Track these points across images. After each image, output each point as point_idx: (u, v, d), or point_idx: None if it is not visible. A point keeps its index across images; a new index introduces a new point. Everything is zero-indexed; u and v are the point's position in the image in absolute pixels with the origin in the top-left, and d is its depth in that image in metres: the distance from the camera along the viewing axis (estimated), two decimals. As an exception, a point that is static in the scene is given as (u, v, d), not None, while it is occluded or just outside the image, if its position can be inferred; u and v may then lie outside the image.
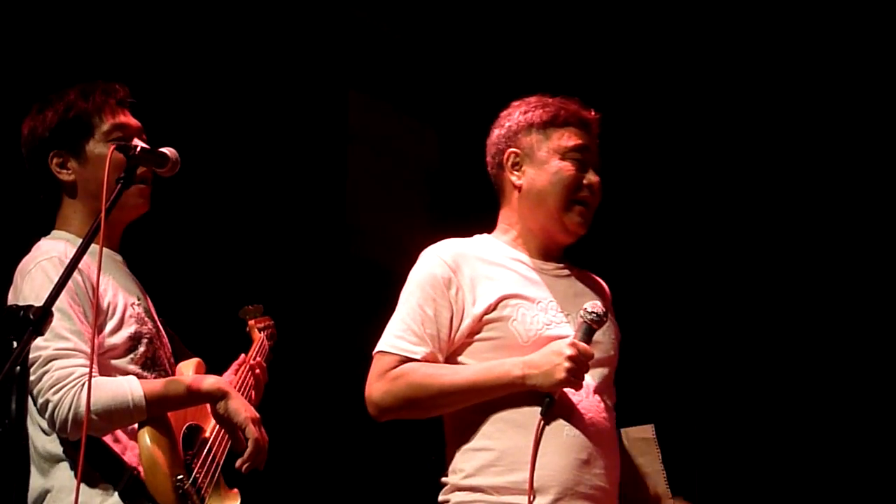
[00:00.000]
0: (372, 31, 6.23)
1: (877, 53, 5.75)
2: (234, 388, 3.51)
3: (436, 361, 3.33)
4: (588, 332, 3.27)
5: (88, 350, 3.05)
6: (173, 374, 3.35)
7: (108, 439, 3.11)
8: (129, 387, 3.08)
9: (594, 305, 3.29)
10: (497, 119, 3.55)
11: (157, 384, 3.15)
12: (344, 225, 6.24)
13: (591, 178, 3.43)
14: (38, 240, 3.29)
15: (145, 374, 3.23)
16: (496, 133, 3.52)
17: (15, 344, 2.65)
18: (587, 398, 3.31)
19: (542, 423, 3.20)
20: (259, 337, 3.85)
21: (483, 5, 6.12)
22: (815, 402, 5.88)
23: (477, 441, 3.30)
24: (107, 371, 3.14)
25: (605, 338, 3.42)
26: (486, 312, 3.33)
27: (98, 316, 3.13)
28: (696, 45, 5.97)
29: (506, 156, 3.47)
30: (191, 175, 3.33)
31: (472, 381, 3.27)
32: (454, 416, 3.36)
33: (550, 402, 3.22)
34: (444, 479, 3.38)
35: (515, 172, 3.47)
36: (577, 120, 3.46)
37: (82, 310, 3.13)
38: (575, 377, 3.20)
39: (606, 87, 5.56)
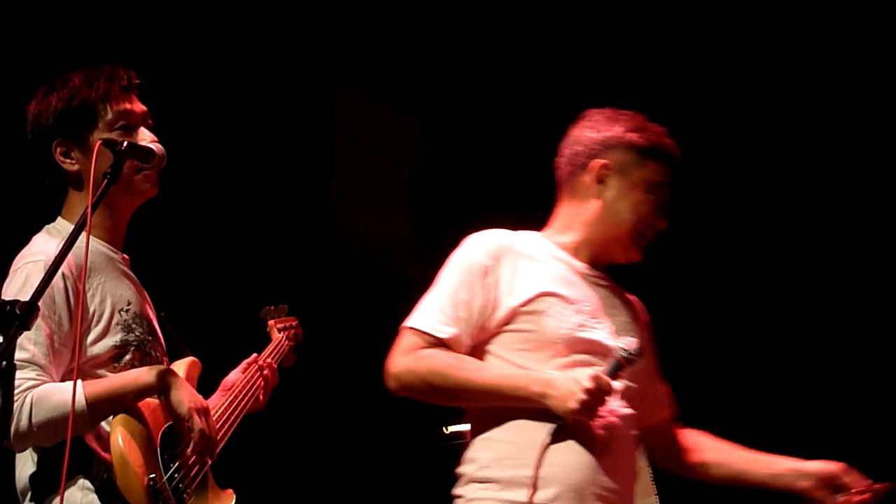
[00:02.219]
0: (358, 27, 6.23)
1: (876, 52, 5.77)
2: (241, 386, 3.50)
3: (461, 345, 3.29)
4: (616, 368, 3.24)
5: (46, 361, 3.03)
6: None
7: (90, 435, 3.08)
8: (70, 394, 2.98)
9: (631, 344, 3.26)
10: (588, 117, 3.48)
11: (100, 385, 3.08)
12: (330, 220, 6.23)
13: (664, 222, 3.43)
14: (43, 227, 3.27)
15: None
16: (587, 134, 3.45)
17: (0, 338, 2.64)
18: (612, 401, 3.26)
19: (549, 444, 3.18)
20: (277, 337, 3.81)
21: (470, 2, 6.12)
22: (807, 406, 5.90)
23: (496, 432, 3.28)
24: (90, 379, 3.11)
25: (640, 344, 3.37)
26: (522, 305, 3.29)
27: (81, 323, 3.09)
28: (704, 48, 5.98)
29: (593, 164, 3.41)
30: (177, 171, 3.31)
31: (492, 385, 3.23)
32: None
33: (561, 427, 3.18)
34: (459, 470, 3.34)
35: (599, 185, 3.42)
36: (669, 157, 3.43)
37: (58, 318, 3.09)
38: (587, 410, 3.15)
39: (599, 84, 5.58)
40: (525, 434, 3.22)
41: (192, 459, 3.19)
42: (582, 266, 3.41)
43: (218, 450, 3.29)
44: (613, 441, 3.25)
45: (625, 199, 3.39)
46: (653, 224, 3.41)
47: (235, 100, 5.83)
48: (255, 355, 3.62)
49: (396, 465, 6.32)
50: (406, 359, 3.27)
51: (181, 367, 3.35)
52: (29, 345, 3.01)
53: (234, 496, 3.38)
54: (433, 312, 3.30)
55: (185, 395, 3.15)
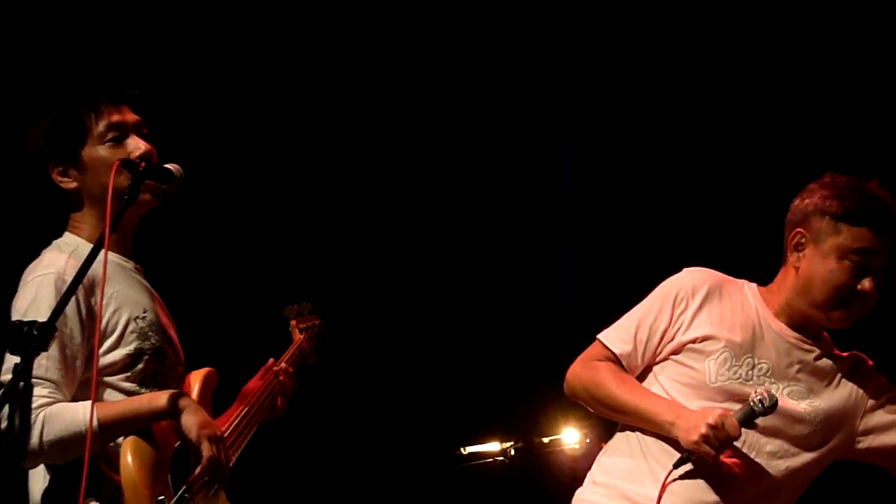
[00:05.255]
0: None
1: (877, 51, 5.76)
2: (256, 395, 3.48)
3: (634, 363, 3.47)
4: (749, 414, 3.30)
5: (59, 376, 3.04)
6: (181, 384, 3.31)
7: (100, 456, 3.08)
8: (83, 415, 3.01)
9: (764, 394, 3.30)
10: (808, 185, 3.50)
11: (114, 408, 3.09)
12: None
13: (866, 284, 3.37)
14: (52, 241, 3.28)
15: (142, 390, 3.18)
16: (797, 202, 3.48)
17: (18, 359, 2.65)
18: (752, 455, 3.37)
19: (671, 472, 3.31)
20: (298, 338, 3.81)
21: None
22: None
23: (630, 447, 3.45)
24: (101, 388, 3.12)
25: (811, 417, 3.42)
26: (691, 342, 3.43)
27: (93, 335, 3.09)
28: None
29: (792, 234, 3.45)
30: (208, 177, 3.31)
31: (634, 404, 3.40)
32: None
33: (685, 459, 3.32)
34: (588, 474, 3.54)
35: (796, 252, 3.44)
36: (874, 221, 3.37)
37: (69, 331, 3.08)
38: (707, 445, 3.25)
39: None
40: (651, 456, 3.39)
41: (200, 483, 3.18)
42: (779, 327, 3.46)
43: (231, 463, 3.29)
44: (733, 490, 3.35)
45: (816, 268, 3.40)
46: (852, 292, 3.37)
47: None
48: (271, 360, 3.60)
49: (413, 485, 6.31)
50: (580, 366, 3.50)
51: (197, 378, 3.36)
52: (42, 359, 3.01)
53: None
54: (619, 328, 3.51)
55: (196, 421, 3.14)
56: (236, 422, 3.40)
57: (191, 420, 3.14)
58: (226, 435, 3.32)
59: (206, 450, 3.14)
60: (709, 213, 6.09)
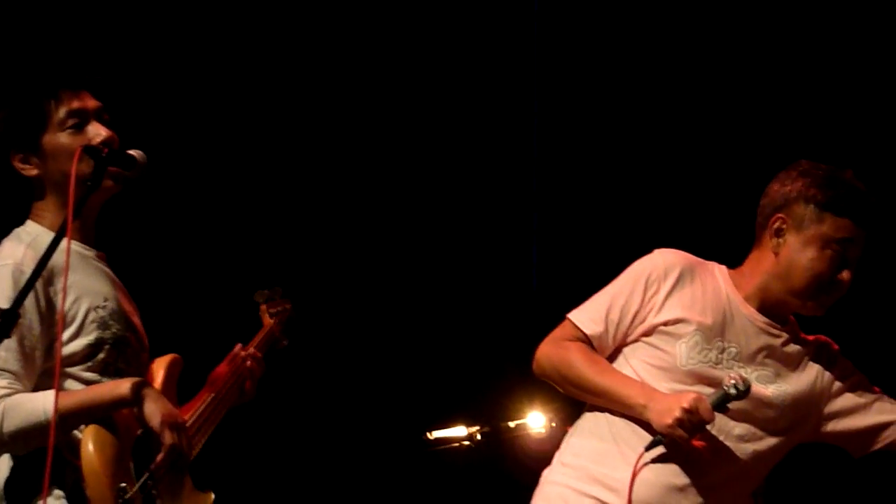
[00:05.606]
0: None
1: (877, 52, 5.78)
2: (223, 381, 3.47)
3: (605, 343, 3.47)
4: (722, 399, 3.32)
5: (18, 367, 3.03)
6: (145, 372, 3.30)
7: (62, 444, 3.06)
8: (42, 405, 3.00)
9: (738, 378, 3.32)
10: (789, 168, 3.50)
11: (73, 397, 3.07)
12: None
13: (845, 275, 3.39)
14: (11, 231, 3.25)
15: (104, 379, 3.17)
16: (777, 187, 3.48)
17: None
18: (720, 438, 3.38)
19: (643, 455, 3.32)
20: (268, 322, 3.79)
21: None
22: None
23: (599, 429, 3.45)
24: (62, 378, 3.09)
25: (779, 401, 3.44)
26: (662, 324, 3.42)
27: (51, 326, 3.08)
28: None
29: (773, 219, 3.45)
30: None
31: (606, 386, 3.40)
32: None
33: (657, 442, 3.32)
34: (556, 455, 3.53)
35: (776, 238, 3.44)
36: (857, 211, 3.40)
37: (28, 321, 3.06)
38: (681, 429, 3.26)
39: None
40: (621, 438, 3.39)
41: (162, 471, 3.17)
42: (748, 311, 3.46)
43: (197, 450, 3.30)
44: (705, 474, 3.36)
45: (798, 255, 3.41)
46: (832, 281, 3.39)
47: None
48: (238, 346, 3.59)
49: (380, 470, 6.31)
50: (550, 346, 3.49)
51: (161, 364, 3.35)
52: (0, 350, 2.99)
53: (213, 497, 3.37)
54: (590, 308, 3.50)
55: (157, 408, 3.13)
56: (202, 407, 3.39)
57: (152, 408, 3.12)
58: (192, 421, 3.32)
59: (167, 438, 3.13)
60: (674, 198, 6.11)
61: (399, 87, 6.29)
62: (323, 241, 6.16)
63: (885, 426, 3.51)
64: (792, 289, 3.42)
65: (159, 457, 3.13)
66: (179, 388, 3.40)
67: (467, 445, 5.89)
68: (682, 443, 3.30)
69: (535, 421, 5.82)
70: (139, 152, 3.16)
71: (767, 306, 3.46)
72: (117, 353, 3.22)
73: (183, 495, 3.27)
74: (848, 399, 3.51)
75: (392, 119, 6.32)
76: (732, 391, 3.30)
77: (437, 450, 5.96)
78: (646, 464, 3.32)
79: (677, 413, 3.25)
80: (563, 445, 3.53)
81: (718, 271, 3.53)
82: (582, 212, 6.40)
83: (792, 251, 3.41)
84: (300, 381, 5.87)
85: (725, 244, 3.67)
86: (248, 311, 3.87)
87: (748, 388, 3.31)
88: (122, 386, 3.13)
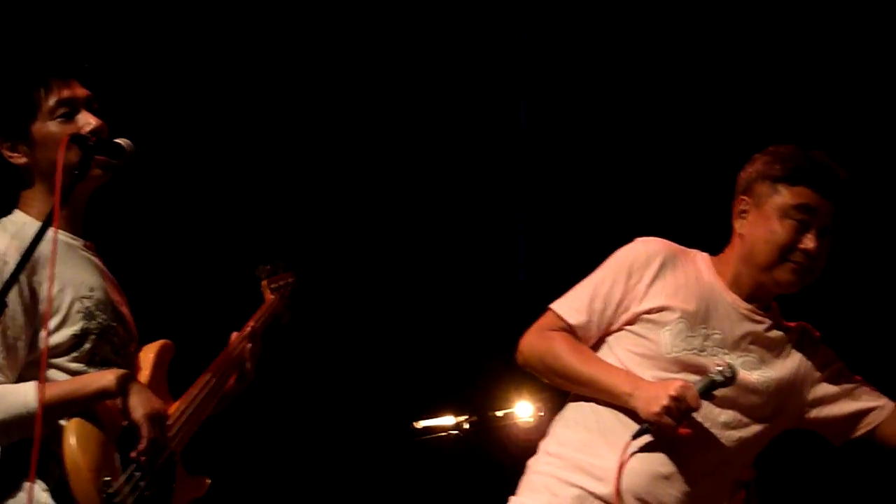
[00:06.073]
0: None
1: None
2: (219, 366, 3.46)
3: (589, 333, 3.45)
4: (709, 386, 3.31)
5: (1, 358, 3.01)
6: (133, 361, 3.29)
7: (47, 436, 3.04)
8: (24, 397, 2.98)
9: (724, 365, 3.32)
10: (752, 157, 3.51)
11: (56, 388, 3.05)
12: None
13: (809, 243, 3.36)
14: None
15: (90, 370, 3.15)
16: (743, 173, 3.49)
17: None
18: (706, 426, 3.37)
19: (630, 443, 3.31)
20: (269, 299, 3.78)
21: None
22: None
23: (584, 418, 3.43)
24: (47, 370, 3.06)
25: (764, 388, 3.43)
26: (646, 312, 3.41)
27: (35, 316, 3.07)
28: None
29: (737, 202, 3.46)
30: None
31: (591, 375, 3.38)
32: None
33: (644, 430, 3.30)
34: (541, 444, 3.51)
35: (741, 220, 3.45)
36: (814, 179, 3.37)
37: (11, 312, 3.03)
38: (668, 417, 3.25)
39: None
40: (606, 427, 3.37)
41: (144, 463, 3.15)
42: (732, 298, 3.45)
43: (188, 438, 3.29)
44: (691, 463, 3.35)
45: (758, 231, 3.40)
46: (792, 248, 3.37)
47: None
48: (234, 334, 3.56)
49: (368, 459, 6.32)
50: (534, 336, 3.47)
51: (151, 351, 3.34)
52: None
53: (209, 482, 3.37)
54: (573, 298, 3.47)
55: (139, 401, 3.11)
56: (197, 395, 3.38)
57: (134, 400, 3.11)
58: (183, 410, 3.31)
59: (146, 431, 3.11)
60: (660, 189, 6.12)
61: (392, 78, 6.30)
62: (311, 233, 6.16)
63: (865, 413, 3.51)
64: (759, 264, 3.40)
65: (137, 450, 3.12)
66: (183, 374, 3.40)
67: (455, 435, 5.91)
68: (669, 431, 3.29)
69: (522, 410, 5.84)
70: (126, 141, 3.14)
71: (747, 292, 3.46)
72: (104, 343, 3.20)
73: (175, 484, 3.26)
74: (830, 386, 3.51)
75: (382, 111, 6.32)
76: (719, 378, 3.30)
77: (425, 439, 5.97)
78: (633, 453, 3.31)
79: (664, 401, 3.24)
80: (548, 435, 3.51)
81: (700, 259, 3.52)
82: (569, 203, 6.41)
83: (754, 228, 3.41)
84: (289, 371, 5.87)
85: (711, 235, 3.67)
86: (251, 290, 3.85)
87: (734, 374, 3.31)
88: (104, 377, 3.11)
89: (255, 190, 6.08)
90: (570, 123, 6.40)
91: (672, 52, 6.12)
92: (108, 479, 3.05)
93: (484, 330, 6.24)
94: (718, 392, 3.33)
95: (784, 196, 3.37)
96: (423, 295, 6.37)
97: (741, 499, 5.36)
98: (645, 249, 3.48)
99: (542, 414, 5.70)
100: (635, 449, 3.31)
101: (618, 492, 3.30)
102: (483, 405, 5.95)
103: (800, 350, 3.51)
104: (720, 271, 3.49)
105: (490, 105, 6.49)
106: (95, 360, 3.18)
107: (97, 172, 3.20)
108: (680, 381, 3.30)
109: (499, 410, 5.91)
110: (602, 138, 6.31)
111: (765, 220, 3.39)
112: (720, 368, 3.31)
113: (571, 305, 3.47)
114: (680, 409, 3.26)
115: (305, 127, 6.20)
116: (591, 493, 3.33)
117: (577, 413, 3.46)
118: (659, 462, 3.34)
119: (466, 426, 5.88)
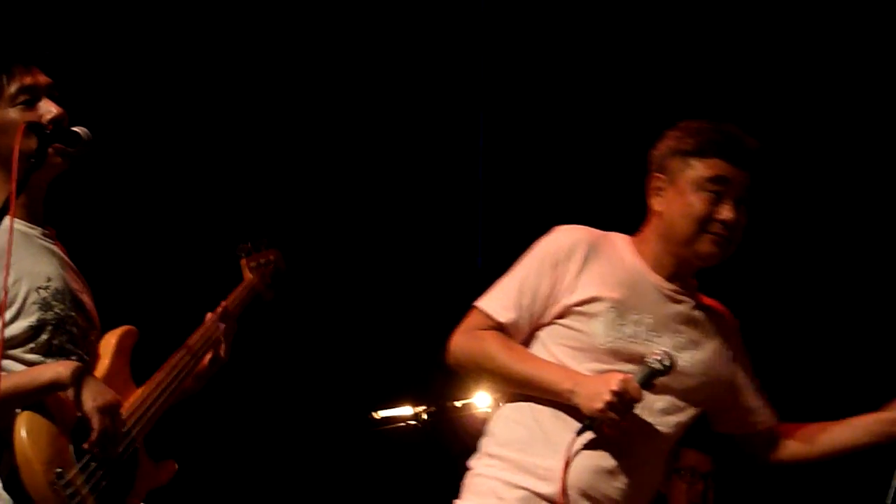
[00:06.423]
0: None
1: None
2: (195, 345, 3.45)
3: (519, 330, 3.39)
4: (649, 376, 3.28)
5: None
6: (94, 350, 3.27)
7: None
8: None
9: (662, 354, 3.28)
10: (664, 134, 3.48)
11: (7, 381, 3.01)
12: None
13: (726, 213, 3.34)
14: None
15: (48, 361, 3.13)
16: (655, 150, 3.46)
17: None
18: (643, 415, 3.32)
19: (575, 441, 3.26)
20: (248, 277, 3.76)
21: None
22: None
23: (523, 417, 3.37)
24: (4, 361, 3.04)
25: (696, 369, 3.41)
26: (576, 305, 3.35)
27: None
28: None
29: (651, 180, 3.43)
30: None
31: (529, 374, 3.32)
32: None
33: (588, 427, 3.26)
34: (480, 442, 3.44)
35: (657, 197, 3.42)
36: (725, 150, 3.36)
37: None
38: (612, 412, 3.21)
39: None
40: (547, 425, 3.31)
41: (97, 455, 3.14)
42: (656, 279, 3.42)
43: (153, 421, 3.29)
44: (630, 455, 3.32)
45: (674, 206, 3.38)
46: (709, 220, 3.35)
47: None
48: (208, 315, 3.56)
49: (326, 449, 6.31)
50: (463, 337, 3.41)
51: (113, 337, 3.32)
52: None
53: (176, 467, 3.36)
54: (499, 295, 3.41)
55: (91, 393, 3.09)
56: (161, 378, 3.38)
57: (85, 392, 3.09)
58: (147, 394, 3.30)
59: (96, 422, 3.09)
60: (619, 174, 6.13)
61: (353, 72, 6.29)
62: (267, 222, 6.13)
63: (753, 411, 3.53)
64: (678, 239, 3.37)
65: (89, 442, 3.10)
66: (155, 356, 3.38)
67: (413, 425, 5.90)
68: (614, 426, 3.25)
69: (481, 400, 5.84)
70: (84, 129, 3.12)
71: (670, 271, 3.43)
72: (61, 333, 3.18)
73: (138, 472, 3.25)
74: (744, 376, 3.53)
75: (343, 104, 6.32)
76: (658, 367, 3.26)
77: (384, 429, 5.96)
78: (578, 450, 3.27)
79: (607, 396, 3.19)
80: (487, 435, 3.44)
81: (620, 241, 3.47)
82: (527, 190, 6.42)
83: (671, 204, 3.39)
84: (247, 360, 5.83)
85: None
86: (232, 270, 3.84)
87: (673, 362, 3.28)
88: (57, 369, 3.09)
89: (226, 173, 6.06)
90: (528, 111, 6.41)
91: (627, 53, 6.15)
92: (60, 470, 3.03)
93: (443, 319, 6.22)
94: (657, 380, 3.30)
95: (697, 169, 3.36)
96: (381, 284, 6.36)
97: (699, 490, 5.39)
98: (567, 239, 3.42)
99: (501, 404, 5.70)
100: (580, 446, 3.27)
101: (564, 490, 3.26)
102: (442, 395, 5.94)
103: (721, 331, 3.49)
104: (641, 251, 3.44)
105: (449, 91, 6.48)
106: (53, 351, 3.16)
107: (56, 160, 3.17)
108: (619, 374, 3.25)
109: (457, 401, 5.90)
110: (559, 124, 6.33)
111: (680, 195, 3.37)
112: (658, 357, 3.27)
113: (499, 303, 3.40)
114: (623, 402, 3.21)
115: (272, 109, 6.20)
116: (537, 494, 3.28)
117: (515, 412, 3.39)
118: (601, 457, 3.30)
119: (425, 416, 5.88)
